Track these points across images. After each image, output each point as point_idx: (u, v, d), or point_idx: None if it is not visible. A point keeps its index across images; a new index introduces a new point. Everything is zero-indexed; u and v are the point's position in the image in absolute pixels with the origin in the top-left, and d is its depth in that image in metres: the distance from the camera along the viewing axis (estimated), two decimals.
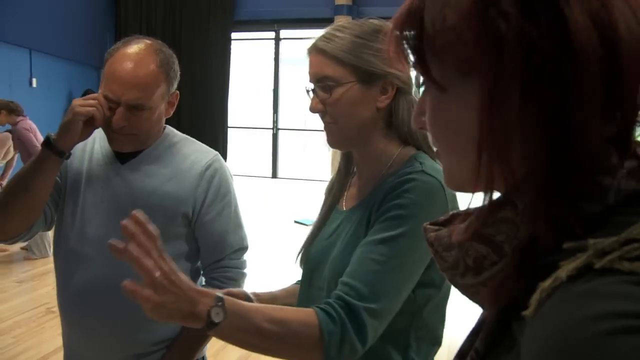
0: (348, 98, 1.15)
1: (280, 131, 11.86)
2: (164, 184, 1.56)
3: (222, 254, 1.62)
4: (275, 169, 11.71)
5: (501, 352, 0.54)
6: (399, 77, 1.17)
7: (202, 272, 1.69)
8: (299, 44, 14.16)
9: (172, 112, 1.61)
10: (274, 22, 11.48)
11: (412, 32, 0.58)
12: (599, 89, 0.48)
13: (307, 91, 1.22)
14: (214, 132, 10.22)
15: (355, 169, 1.33)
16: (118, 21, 11.61)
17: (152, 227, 0.95)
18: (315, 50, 1.17)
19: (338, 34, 1.15)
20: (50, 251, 5.90)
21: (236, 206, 1.66)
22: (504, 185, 0.54)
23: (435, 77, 0.56)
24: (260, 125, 11.74)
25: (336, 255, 1.19)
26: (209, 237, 1.61)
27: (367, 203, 1.18)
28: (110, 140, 1.55)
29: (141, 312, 1.52)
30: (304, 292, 1.31)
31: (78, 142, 1.50)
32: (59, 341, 3.81)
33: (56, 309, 4.32)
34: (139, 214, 0.97)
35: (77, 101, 1.46)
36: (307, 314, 1.01)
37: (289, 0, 11.09)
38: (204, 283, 1.67)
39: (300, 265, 1.35)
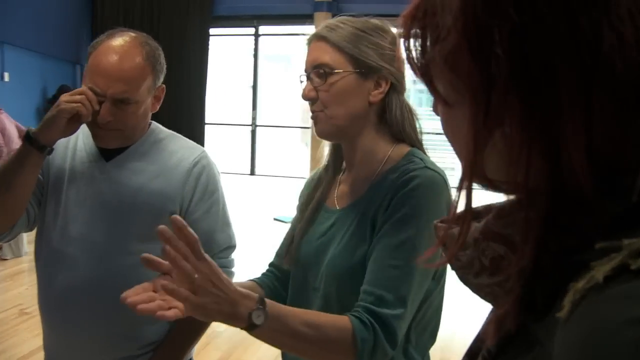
0: (341, 86, 1.17)
1: (258, 128, 11.78)
2: (151, 181, 1.50)
3: (211, 253, 1.53)
4: (253, 166, 11.64)
5: (517, 353, 0.53)
6: (393, 74, 1.19)
7: None
8: (278, 40, 14.12)
9: (158, 107, 1.56)
10: (253, 18, 11.40)
11: (418, 47, 0.56)
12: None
13: (302, 81, 1.24)
14: (191, 129, 10.12)
15: (344, 165, 1.32)
16: (95, 16, 11.42)
17: (190, 231, 0.97)
18: (317, 38, 1.20)
19: (341, 24, 1.19)
20: (23, 251, 5.77)
21: (224, 204, 1.61)
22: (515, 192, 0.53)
23: (441, 92, 0.55)
24: (238, 122, 11.65)
25: (335, 255, 1.18)
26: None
27: (366, 202, 1.18)
28: (95, 136, 1.48)
29: (128, 314, 1.46)
30: (298, 292, 1.29)
31: (62, 137, 1.44)
32: (34, 343, 3.74)
33: (30, 310, 4.24)
34: (177, 218, 0.99)
35: (64, 96, 1.40)
36: (341, 320, 1.04)
37: None
38: None
39: (289, 265, 1.32)
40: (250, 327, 0.95)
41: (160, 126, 1.62)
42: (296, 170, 11.60)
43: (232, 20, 11.37)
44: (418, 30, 0.55)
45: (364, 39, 1.17)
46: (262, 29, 11.72)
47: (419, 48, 0.55)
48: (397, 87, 1.20)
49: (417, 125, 1.24)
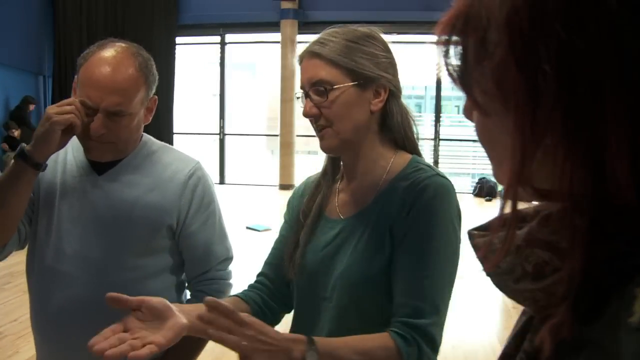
0: (344, 100, 1.17)
1: (227, 136, 11.72)
2: (146, 194, 1.48)
3: (209, 266, 1.55)
4: (222, 175, 11.58)
5: (565, 354, 0.53)
6: (391, 81, 1.20)
7: (186, 284, 1.61)
8: (244, 48, 14.09)
9: (150, 119, 1.53)
10: (220, 26, 11.36)
11: (456, 51, 0.57)
12: None
13: (298, 97, 1.24)
14: (160, 139, 9.91)
15: (342, 174, 1.33)
16: (56, 27, 11.23)
17: (224, 304, 1.01)
18: (310, 55, 1.20)
19: (331, 38, 1.18)
20: None
21: (220, 215, 1.60)
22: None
23: (480, 103, 0.56)
24: (206, 131, 11.59)
25: (349, 265, 1.19)
26: (194, 249, 1.54)
27: (376, 211, 1.20)
28: (87, 149, 1.45)
29: None
30: (304, 302, 1.30)
31: (55, 152, 1.41)
32: None
33: (3, 329, 4.13)
34: (210, 300, 1.02)
35: (52, 108, 1.36)
36: (384, 341, 1.09)
37: (234, 5, 10.98)
38: (189, 297, 1.59)
39: (293, 275, 1.31)
40: None
41: (152, 138, 1.59)
42: (265, 178, 11.59)
43: (198, 28, 11.30)
44: (458, 39, 0.56)
45: (357, 50, 1.18)
46: (229, 37, 11.68)
47: (459, 57, 0.56)
48: (395, 93, 1.22)
49: (415, 130, 1.27)
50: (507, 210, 0.55)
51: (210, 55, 12.47)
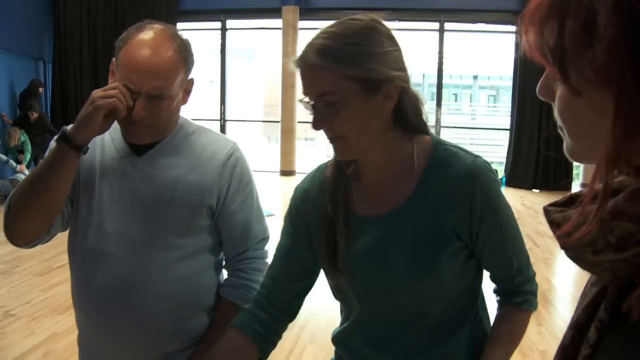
0: (355, 112, 1.10)
1: (227, 122, 11.72)
2: (187, 175, 1.50)
3: (247, 245, 1.58)
4: None
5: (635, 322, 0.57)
6: (401, 78, 1.12)
7: (224, 264, 1.64)
8: (245, 34, 14.04)
9: (188, 100, 1.55)
10: (220, 12, 11.31)
11: (553, 31, 0.58)
12: None
13: (302, 101, 1.15)
14: None
15: (353, 169, 1.26)
16: (56, 12, 11.17)
17: None
18: (311, 65, 1.09)
19: (330, 42, 1.08)
20: None
21: (257, 195, 1.62)
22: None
23: (573, 82, 0.57)
24: (207, 117, 11.57)
25: (413, 260, 1.17)
26: (233, 229, 1.56)
27: (421, 202, 1.18)
28: (128, 132, 1.47)
29: (170, 309, 1.49)
30: (373, 300, 1.24)
31: (97, 135, 1.42)
32: (23, 346, 3.68)
33: (16, 312, 4.16)
34: None
35: (97, 92, 1.37)
36: (514, 317, 1.28)
37: None
38: (226, 276, 1.62)
39: (345, 282, 1.25)
40: None
41: (189, 120, 1.61)
42: (264, 164, 11.59)
43: (199, 14, 11.25)
44: (555, 19, 0.57)
45: (361, 53, 1.08)
46: (230, 23, 11.64)
47: (556, 34, 0.57)
48: (406, 86, 1.15)
49: (424, 112, 1.23)
50: (597, 185, 0.57)
51: (210, 42, 12.42)
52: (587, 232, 0.62)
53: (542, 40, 0.59)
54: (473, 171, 1.15)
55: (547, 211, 0.70)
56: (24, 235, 1.45)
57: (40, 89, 10.06)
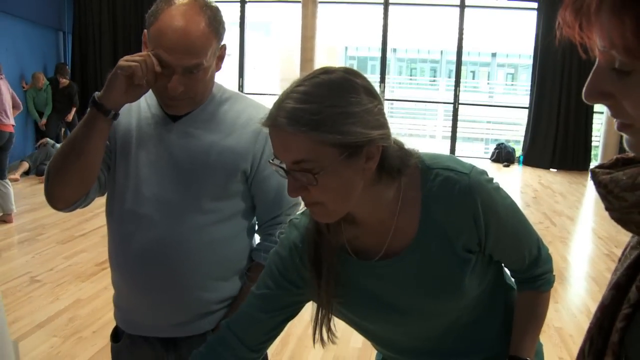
0: (335, 179, 1.01)
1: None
2: (222, 140, 1.53)
3: (280, 210, 1.61)
4: None
5: None
6: (382, 136, 1.03)
7: (257, 228, 1.67)
8: (263, 7, 13.98)
9: (221, 66, 1.56)
10: None
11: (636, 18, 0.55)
12: None
13: (274, 162, 1.06)
14: None
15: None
16: None
17: None
18: (282, 130, 0.99)
19: (303, 106, 0.98)
20: (14, 206, 5.75)
21: None
22: None
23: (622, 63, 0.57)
24: None
25: (433, 291, 1.16)
26: (267, 193, 1.59)
27: (428, 236, 1.14)
28: (166, 105, 1.50)
29: (205, 271, 1.54)
30: (390, 333, 1.29)
31: (128, 102, 1.45)
32: (50, 310, 3.78)
33: (41, 277, 4.27)
34: None
35: (124, 58, 1.40)
36: (537, 300, 1.31)
37: None
38: (259, 240, 1.66)
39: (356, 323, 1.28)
40: None
41: (223, 86, 1.63)
42: None
43: None
44: (632, 6, 0.55)
45: (338, 116, 0.98)
46: None
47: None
48: (387, 144, 1.06)
49: (405, 147, 1.13)
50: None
51: (228, 15, 12.36)
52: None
53: (620, 33, 0.56)
54: (469, 191, 1.10)
55: (594, 173, 0.71)
56: (62, 199, 1.50)
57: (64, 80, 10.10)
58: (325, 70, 1.02)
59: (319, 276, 1.16)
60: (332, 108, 0.97)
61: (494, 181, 1.17)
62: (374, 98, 1.03)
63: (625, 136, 0.64)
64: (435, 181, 1.11)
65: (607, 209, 0.69)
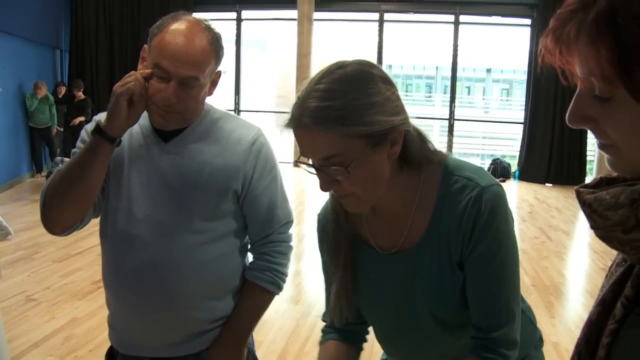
0: (365, 169, 1.05)
1: (242, 113, 11.76)
2: (213, 160, 1.54)
3: (272, 229, 1.63)
4: None
5: None
6: (403, 121, 1.08)
7: (249, 247, 1.68)
8: (259, 25, 14.06)
9: (214, 92, 1.59)
10: (236, 3, 11.33)
11: (610, 46, 0.58)
12: None
13: (300, 164, 1.14)
14: None
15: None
16: (73, 0, 11.22)
17: None
18: (308, 129, 1.03)
19: (326, 103, 1.01)
20: (9, 230, 5.73)
21: (281, 180, 1.67)
22: None
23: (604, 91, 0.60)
24: (221, 107, 11.62)
25: (431, 299, 1.19)
26: (258, 212, 1.60)
27: (436, 236, 1.16)
28: (155, 116, 1.50)
29: (198, 291, 1.55)
30: (391, 334, 1.33)
31: (129, 127, 1.47)
32: (46, 329, 3.76)
33: (37, 296, 4.24)
34: None
35: (116, 85, 1.43)
36: None
37: None
38: (251, 259, 1.67)
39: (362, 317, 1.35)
40: None
41: (214, 106, 1.65)
42: (279, 155, 11.62)
43: (214, 4, 11.27)
44: (609, 32, 0.58)
45: (361, 107, 1.01)
46: (245, 14, 11.66)
47: (615, 51, 0.58)
48: (407, 125, 1.10)
49: (430, 142, 1.18)
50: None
51: (224, 32, 12.42)
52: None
53: (596, 62, 0.59)
54: (479, 200, 1.11)
55: (578, 192, 0.73)
56: (60, 224, 1.51)
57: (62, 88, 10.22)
58: (340, 65, 1.05)
59: (337, 261, 1.24)
60: (355, 101, 1.01)
61: (509, 211, 1.14)
62: (391, 85, 1.07)
63: (606, 156, 0.66)
64: (453, 187, 1.14)
65: (592, 227, 0.70)
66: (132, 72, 1.45)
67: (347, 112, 1.00)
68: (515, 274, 1.16)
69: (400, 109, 1.06)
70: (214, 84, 1.57)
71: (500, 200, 1.11)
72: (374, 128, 1.02)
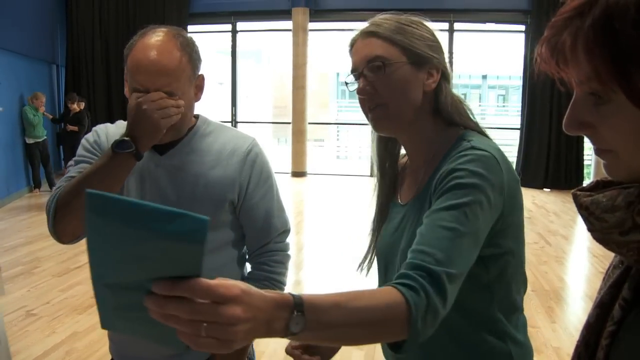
0: (399, 76, 1.20)
1: (239, 124, 11.79)
2: (208, 172, 1.55)
3: (269, 238, 1.63)
4: None
5: None
6: (442, 63, 1.24)
7: (247, 257, 1.69)
8: (254, 36, 14.13)
9: (201, 97, 1.59)
10: (231, 15, 11.38)
11: (603, 55, 0.60)
12: None
13: (348, 83, 1.27)
14: None
15: (407, 160, 1.36)
16: (69, 15, 11.27)
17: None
18: (366, 34, 1.23)
19: (385, 20, 1.23)
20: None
21: (277, 189, 1.67)
22: None
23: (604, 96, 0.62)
24: (218, 119, 11.64)
25: (404, 247, 1.18)
26: (254, 222, 1.61)
27: (426, 193, 1.19)
28: None
29: None
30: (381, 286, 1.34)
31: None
32: (46, 343, 3.76)
33: (37, 311, 4.23)
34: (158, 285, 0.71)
35: (150, 106, 1.41)
36: (389, 296, 0.94)
37: None
38: (249, 269, 1.67)
39: (366, 264, 1.38)
40: (290, 336, 0.84)
41: (207, 118, 1.66)
42: (275, 166, 11.64)
43: (210, 17, 11.32)
44: (606, 39, 0.60)
45: (410, 31, 1.22)
46: (240, 25, 11.71)
47: (611, 57, 0.60)
48: (446, 75, 1.24)
49: (468, 111, 1.27)
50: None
51: (219, 44, 12.48)
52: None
53: (593, 68, 0.61)
54: (458, 156, 1.12)
55: (575, 196, 0.74)
56: (70, 232, 1.51)
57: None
58: (409, 14, 1.28)
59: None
60: (408, 26, 1.22)
61: (491, 172, 1.09)
62: (437, 40, 1.26)
63: (603, 161, 0.68)
64: (458, 147, 1.17)
65: (589, 230, 0.71)
66: (163, 95, 1.44)
67: (396, 28, 1.21)
68: (467, 232, 1.05)
69: (439, 51, 1.24)
70: (199, 88, 1.57)
71: (482, 162, 1.09)
72: (416, 49, 1.20)
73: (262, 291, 0.80)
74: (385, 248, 1.31)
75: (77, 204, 1.46)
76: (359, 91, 1.23)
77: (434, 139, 1.25)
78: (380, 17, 1.25)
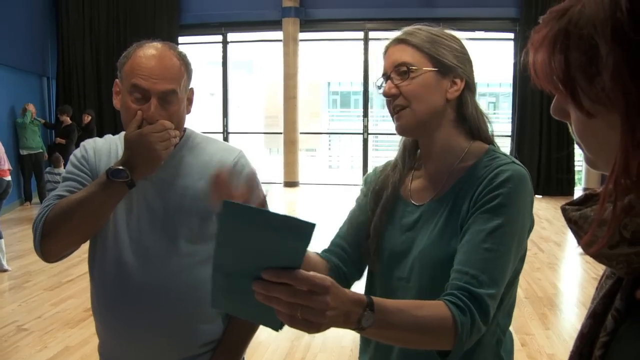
0: (423, 82, 1.27)
1: (230, 135, 11.79)
2: (194, 183, 1.55)
3: None
4: None
5: None
6: (467, 74, 1.31)
7: None
8: (245, 46, 14.16)
9: (191, 109, 1.62)
10: (221, 26, 11.41)
11: (560, 64, 0.63)
12: None
13: (379, 86, 1.34)
14: None
15: (420, 161, 1.40)
16: (59, 27, 11.27)
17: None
18: (397, 41, 1.31)
19: (418, 30, 1.31)
20: (4, 261, 5.71)
21: (265, 200, 1.67)
22: None
23: (585, 106, 0.63)
24: (209, 130, 11.63)
25: (427, 247, 1.25)
26: None
27: (454, 196, 1.27)
28: None
29: (187, 314, 1.54)
30: (384, 282, 1.36)
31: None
32: (38, 358, 3.72)
33: (28, 326, 4.20)
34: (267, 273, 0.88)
35: (153, 137, 1.43)
36: (440, 310, 1.09)
37: (236, 3, 11.03)
38: None
39: (373, 257, 1.37)
40: (359, 329, 0.99)
41: (195, 131, 1.67)
42: (267, 176, 11.63)
43: (200, 28, 11.35)
44: (560, 52, 0.64)
45: (440, 42, 1.29)
46: (230, 36, 11.73)
47: (563, 67, 0.63)
48: (470, 86, 1.31)
49: (488, 123, 1.35)
50: (611, 187, 0.63)
51: (210, 55, 12.50)
52: (610, 235, 0.68)
53: (551, 72, 0.65)
54: (503, 170, 1.21)
55: (564, 210, 0.74)
56: (58, 253, 1.52)
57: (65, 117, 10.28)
58: (443, 27, 1.37)
59: (375, 209, 1.39)
60: (435, 36, 1.30)
61: (527, 194, 1.22)
62: (467, 52, 1.33)
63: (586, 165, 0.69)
64: (489, 158, 1.28)
65: (579, 244, 0.71)
66: (162, 121, 1.46)
67: (427, 38, 1.29)
68: (509, 251, 1.18)
69: (466, 62, 1.31)
70: (190, 101, 1.60)
71: (522, 179, 1.21)
72: (442, 58, 1.27)
73: (343, 288, 0.94)
74: (394, 245, 1.34)
75: (66, 229, 1.47)
76: (384, 93, 1.31)
77: (457, 148, 1.32)
78: (413, 27, 1.33)
